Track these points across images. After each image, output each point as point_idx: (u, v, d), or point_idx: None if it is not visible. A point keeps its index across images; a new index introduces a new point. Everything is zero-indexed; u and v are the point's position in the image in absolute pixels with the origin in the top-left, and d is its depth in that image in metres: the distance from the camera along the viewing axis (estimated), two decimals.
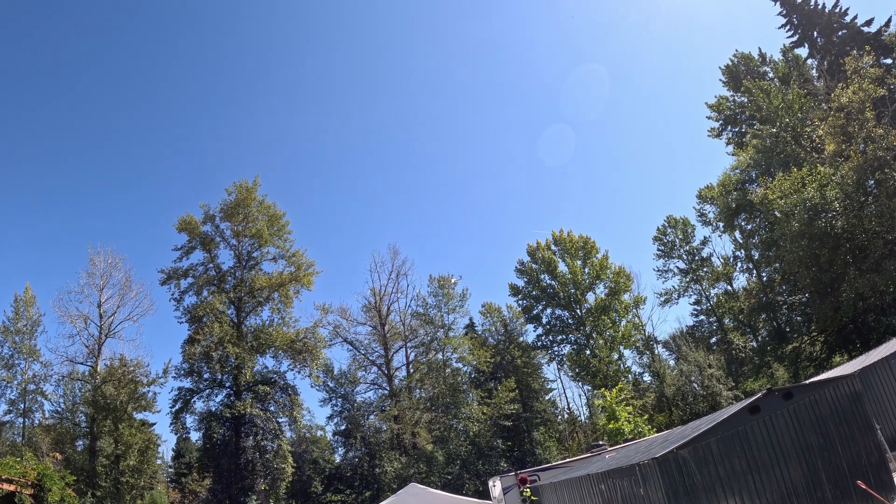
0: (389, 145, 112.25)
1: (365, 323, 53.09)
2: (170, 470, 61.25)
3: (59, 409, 44.31)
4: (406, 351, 53.25)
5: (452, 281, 53.87)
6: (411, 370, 52.83)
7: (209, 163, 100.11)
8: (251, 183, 48.03)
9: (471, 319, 58.68)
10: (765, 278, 52.17)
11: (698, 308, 61.81)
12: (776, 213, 38.21)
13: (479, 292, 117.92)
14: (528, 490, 12.45)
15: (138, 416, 45.23)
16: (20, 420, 43.70)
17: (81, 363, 44.38)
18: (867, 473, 10.40)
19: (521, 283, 58.40)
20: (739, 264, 57.85)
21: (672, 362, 58.97)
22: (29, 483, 14.26)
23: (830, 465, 10.20)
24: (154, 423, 49.62)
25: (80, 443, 43.74)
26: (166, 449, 65.37)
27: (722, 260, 59.40)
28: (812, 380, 14.75)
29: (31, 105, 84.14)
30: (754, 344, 54.23)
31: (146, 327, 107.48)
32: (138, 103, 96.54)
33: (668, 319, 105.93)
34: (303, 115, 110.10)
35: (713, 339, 61.71)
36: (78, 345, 44.01)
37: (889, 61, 35.40)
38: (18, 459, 15.13)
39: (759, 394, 10.76)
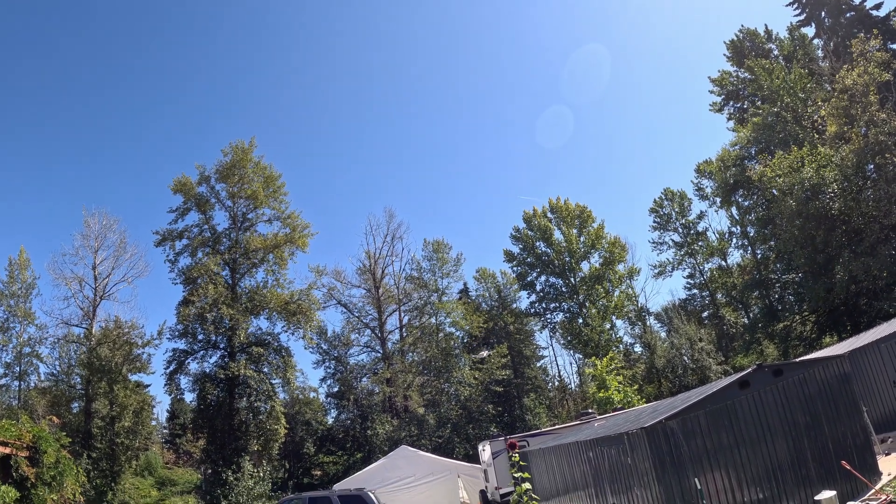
0: (387, 110, 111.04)
1: (359, 286, 53.39)
2: (164, 431, 61.97)
3: (55, 372, 44.33)
4: (400, 314, 53.63)
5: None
6: (404, 333, 53.24)
7: (205, 124, 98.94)
8: (247, 144, 47.51)
9: (465, 284, 59.22)
10: (759, 255, 52.45)
11: (692, 282, 62.28)
12: (774, 191, 38.17)
13: (474, 258, 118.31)
14: (516, 455, 12.63)
15: (133, 377, 45.30)
16: (15, 383, 43.73)
17: (76, 325, 44.45)
18: (852, 454, 10.54)
19: (516, 249, 58.53)
20: (735, 240, 58.24)
21: (663, 334, 59.65)
22: (24, 446, 14.38)
23: (816, 443, 10.31)
24: (149, 385, 50.00)
25: (76, 405, 43.83)
26: (161, 410, 66.14)
27: (717, 235, 59.68)
28: (802, 358, 14.87)
29: (20, 67, 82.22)
30: (746, 320, 54.81)
31: (141, 289, 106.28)
32: (132, 62, 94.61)
33: (661, 292, 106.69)
34: (300, 76, 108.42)
35: (705, 314, 62.34)
36: (73, 307, 44.10)
37: None
38: (14, 423, 15.23)
39: (749, 369, 10.83)
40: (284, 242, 46.95)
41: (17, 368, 43.17)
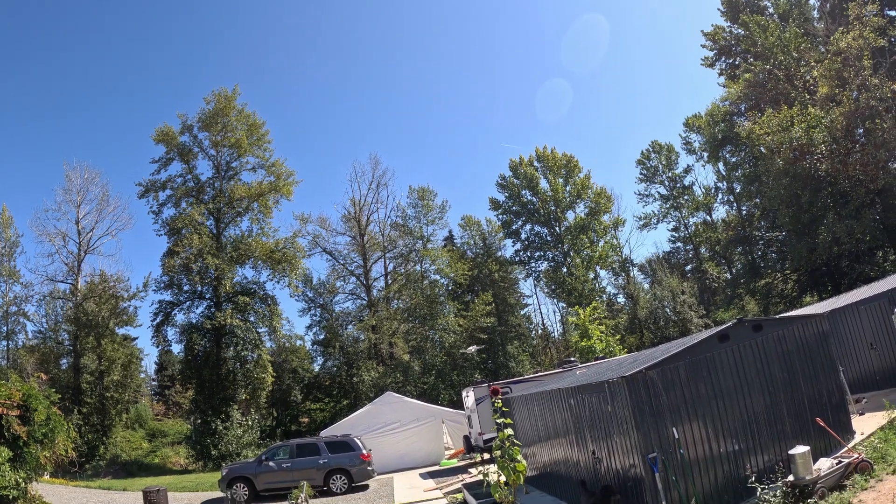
0: (373, 56, 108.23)
1: (344, 233, 53.29)
2: (153, 383, 62.28)
3: (42, 329, 44.27)
4: (385, 262, 53.80)
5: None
6: (389, 281, 53.46)
7: (186, 72, 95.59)
8: (230, 91, 46.50)
9: (450, 232, 59.30)
10: (744, 212, 52.84)
11: (676, 235, 62.68)
12: (762, 148, 38.15)
13: (459, 205, 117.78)
14: (499, 401, 12.87)
15: (120, 331, 45.61)
16: (3, 343, 43.86)
17: (62, 281, 44.28)
18: (827, 412, 10.80)
19: (501, 197, 58.54)
20: (720, 196, 58.49)
21: (646, 286, 60.42)
22: (14, 405, 14.36)
23: (792, 399, 10.54)
24: (136, 338, 50.34)
25: (64, 361, 43.99)
26: (149, 362, 66.41)
27: (703, 190, 59.86)
28: (782, 315, 15.09)
29: None
30: (728, 275, 55.51)
31: (125, 242, 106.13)
32: (110, 11, 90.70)
33: (645, 244, 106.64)
34: (284, 21, 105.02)
35: (688, 267, 63.07)
36: (57, 263, 43.88)
37: (893, 13, 34.37)
38: (3, 382, 15.20)
39: (730, 323, 10.92)
40: (269, 191, 46.64)
41: (5, 328, 43.30)
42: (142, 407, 54.04)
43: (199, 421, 41.95)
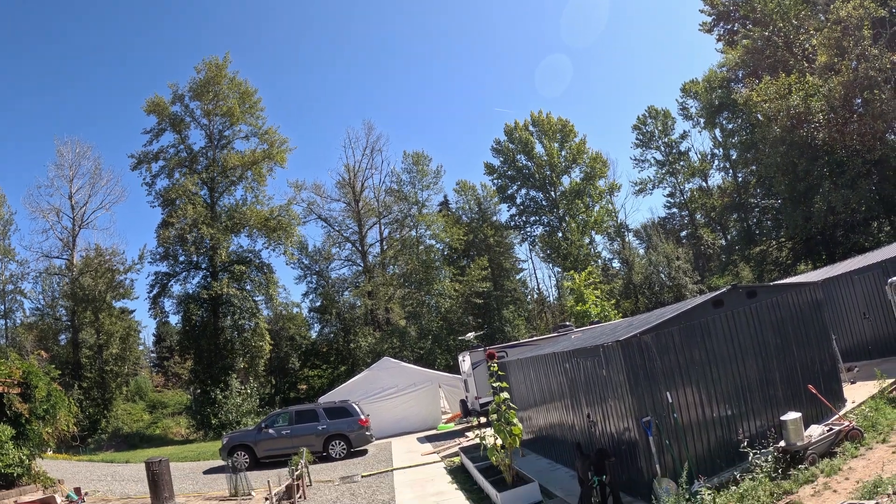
0: (368, 24, 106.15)
1: (339, 199, 53.31)
2: (152, 355, 62.65)
3: (40, 306, 44.47)
4: (380, 227, 53.82)
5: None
6: (385, 246, 53.53)
7: (177, 44, 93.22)
8: (221, 59, 45.93)
9: (445, 197, 59.39)
10: (740, 179, 52.83)
11: (671, 201, 62.79)
12: (759, 115, 37.96)
13: (454, 170, 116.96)
14: (495, 365, 12.98)
15: (117, 304, 45.89)
16: (1, 322, 44.08)
17: (57, 257, 44.38)
18: (819, 380, 10.90)
19: (496, 162, 58.26)
20: (716, 162, 58.43)
21: (642, 251, 60.71)
22: (15, 383, 14.48)
23: (785, 366, 10.62)
24: (133, 311, 50.64)
25: (63, 337, 44.25)
26: (147, 335, 66.86)
27: (699, 156, 59.75)
28: (776, 283, 15.19)
29: None
30: (723, 242, 55.73)
31: (119, 215, 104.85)
32: None
33: (640, 209, 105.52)
34: None
35: (683, 233, 63.31)
36: (52, 239, 44.04)
37: None
38: (3, 360, 15.28)
39: (724, 289, 10.91)
40: (262, 158, 46.40)
41: (2, 306, 43.52)
42: (141, 379, 54.49)
43: (199, 391, 42.32)
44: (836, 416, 10.48)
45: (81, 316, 42.38)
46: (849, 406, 11.36)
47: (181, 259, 44.66)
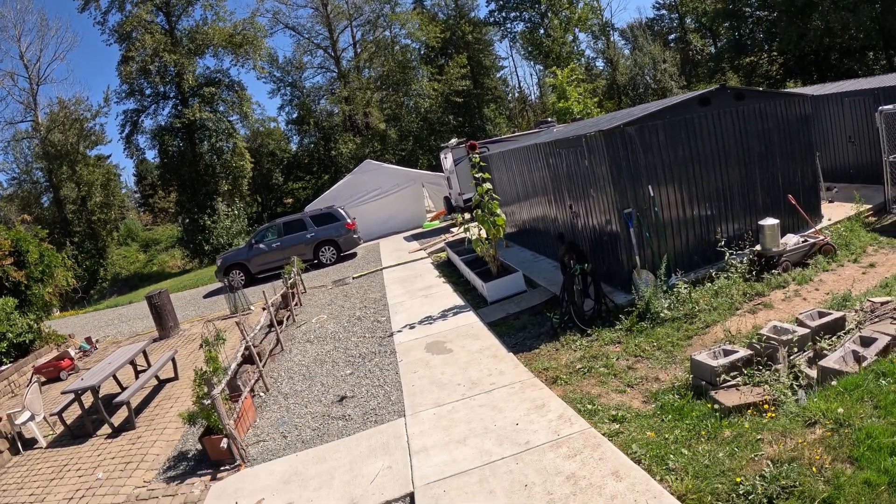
0: None
1: (305, 5, 50.12)
2: (136, 195, 62.09)
3: (16, 175, 43.83)
4: (352, 30, 51.30)
5: None
6: (358, 50, 51.40)
7: None
8: None
9: None
10: None
11: (661, 2, 59.05)
12: None
13: None
14: (477, 156, 12.78)
15: (92, 153, 45.23)
16: None
17: (21, 121, 43.08)
18: (799, 193, 10.97)
19: None
20: None
21: (627, 52, 58.45)
22: (6, 253, 14.51)
23: (767, 174, 10.61)
24: (109, 155, 49.84)
25: (45, 199, 44.15)
26: (127, 176, 65.56)
27: None
28: (766, 90, 14.74)
29: None
30: (713, 49, 53.20)
31: (76, 62, 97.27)
32: None
33: (627, 8, 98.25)
34: None
35: (672, 36, 60.20)
36: (12, 105, 43.59)
37: None
38: None
39: (713, 88, 10.58)
40: None
41: None
42: (130, 221, 54.97)
43: (187, 221, 42.89)
44: (813, 229, 10.69)
45: (58, 173, 41.99)
46: (825, 223, 11.57)
47: (148, 92, 43.17)
